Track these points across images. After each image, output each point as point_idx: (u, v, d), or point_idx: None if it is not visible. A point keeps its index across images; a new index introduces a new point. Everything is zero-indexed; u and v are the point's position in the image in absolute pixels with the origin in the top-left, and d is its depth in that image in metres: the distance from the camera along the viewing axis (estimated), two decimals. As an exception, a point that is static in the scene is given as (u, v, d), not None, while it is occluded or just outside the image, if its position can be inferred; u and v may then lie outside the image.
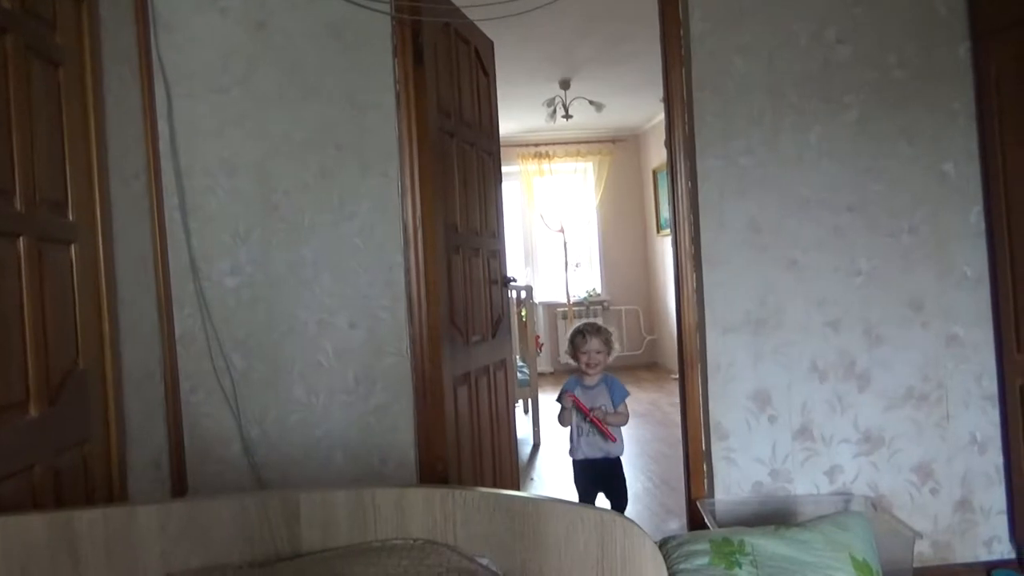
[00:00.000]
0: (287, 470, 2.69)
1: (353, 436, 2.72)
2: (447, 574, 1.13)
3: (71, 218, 2.02)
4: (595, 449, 2.91)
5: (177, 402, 2.63)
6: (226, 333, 2.68)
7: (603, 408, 2.90)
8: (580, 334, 3.02)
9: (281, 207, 2.71)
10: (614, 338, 3.08)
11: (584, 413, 2.88)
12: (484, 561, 1.25)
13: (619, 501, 3.00)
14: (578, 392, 2.96)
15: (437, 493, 1.30)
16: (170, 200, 2.66)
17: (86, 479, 2.00)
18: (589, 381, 2.99)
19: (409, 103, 2.75)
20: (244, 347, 2.70)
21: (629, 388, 3.07)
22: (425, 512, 1.30)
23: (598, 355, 2.97)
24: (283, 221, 2.71)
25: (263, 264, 2.70)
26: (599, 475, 2.94)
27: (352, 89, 2.72)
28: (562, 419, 3.00)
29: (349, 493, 1.33)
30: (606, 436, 2.87)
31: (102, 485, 2.06)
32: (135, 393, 2.31)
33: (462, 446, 2.95)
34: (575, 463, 2.99)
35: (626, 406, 2.99)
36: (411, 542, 1.26)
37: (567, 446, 3.03)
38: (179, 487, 2.60)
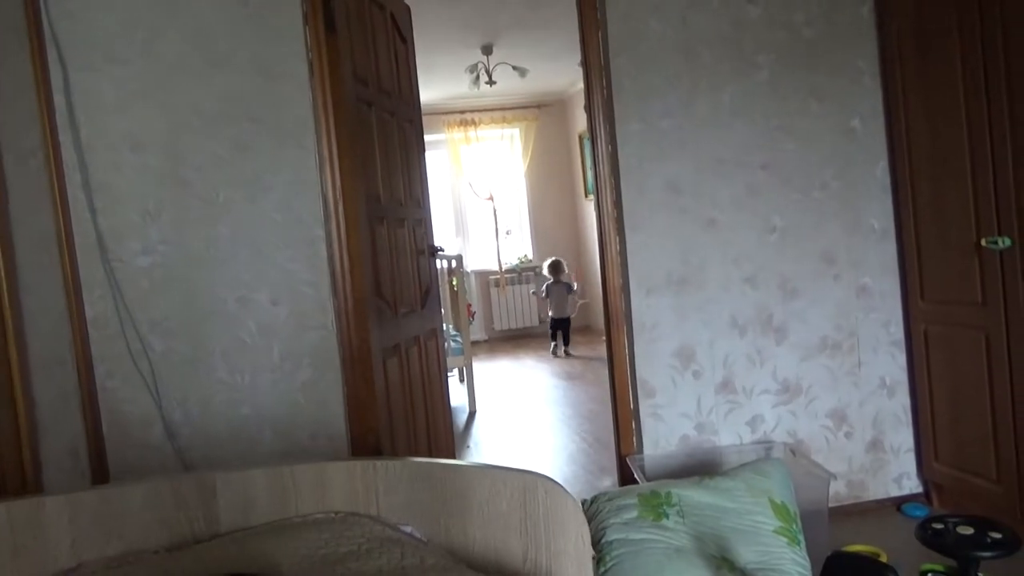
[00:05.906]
0: (213, 451, 2.63)
1: (281, 413, 2.67)
2: (368, 544, 1.13)
3: (-40, 200, 1.90)
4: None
5: (92, 388, 2.53)
6: (141, 315, 2.59)
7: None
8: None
9: (193, 183, 2.61)
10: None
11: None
12: (407, 529, 1.25)
13: (566, 333, 7.06)
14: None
15: (358, 465, 1.29)
16: (72, 178, 2.52)
17: (-5, 473, 1.91)
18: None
19: (323, 72, 2.67)
20: (162, 328, 2.61)
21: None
22: (346, 485, 1.29)
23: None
24: (196, 198, 2.61)
25: (177, 243, 2.60)
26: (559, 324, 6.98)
27: (262, 58, 2.62)
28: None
29: (267, 471, 1.31)
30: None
31: (13, 478, 1.97)
32: (45, 381, 2.21)
33: (395, 417, 2.94)
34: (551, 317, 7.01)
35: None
36: (332, 515, 1.25)
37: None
38: (100, 476, 2.51)
